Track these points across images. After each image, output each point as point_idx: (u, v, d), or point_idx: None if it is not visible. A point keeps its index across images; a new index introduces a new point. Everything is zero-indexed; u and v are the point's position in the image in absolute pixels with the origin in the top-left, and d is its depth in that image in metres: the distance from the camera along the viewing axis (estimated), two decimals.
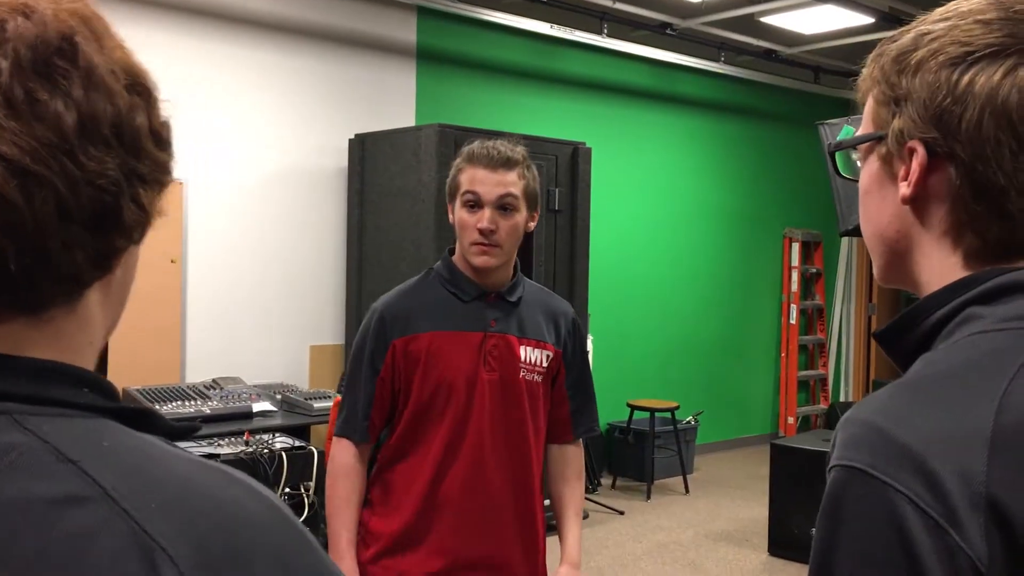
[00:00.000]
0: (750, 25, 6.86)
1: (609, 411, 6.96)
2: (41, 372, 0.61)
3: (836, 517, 0.71)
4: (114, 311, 0.69)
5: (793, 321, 8.37)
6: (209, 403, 4.44)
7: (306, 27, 5.43)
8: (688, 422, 7.09)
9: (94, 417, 0.62)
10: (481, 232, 2.08)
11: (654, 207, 7.38)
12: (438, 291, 2.16)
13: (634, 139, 7.20)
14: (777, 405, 8.46)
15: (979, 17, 0.80)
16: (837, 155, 0.95)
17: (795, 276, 8.39)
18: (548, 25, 6.18)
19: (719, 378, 7.97)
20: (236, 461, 3.88)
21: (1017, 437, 0.68)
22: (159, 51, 4.85)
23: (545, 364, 2.17)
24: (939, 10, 0.84)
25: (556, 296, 2.37)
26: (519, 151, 2.15)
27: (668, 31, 6.66)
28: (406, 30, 5.87)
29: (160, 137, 0.67)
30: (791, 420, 8.32)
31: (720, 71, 7.35)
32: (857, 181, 0.92)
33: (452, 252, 2.22)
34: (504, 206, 2.09)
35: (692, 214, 7.68)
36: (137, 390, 4.40)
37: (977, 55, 0.79)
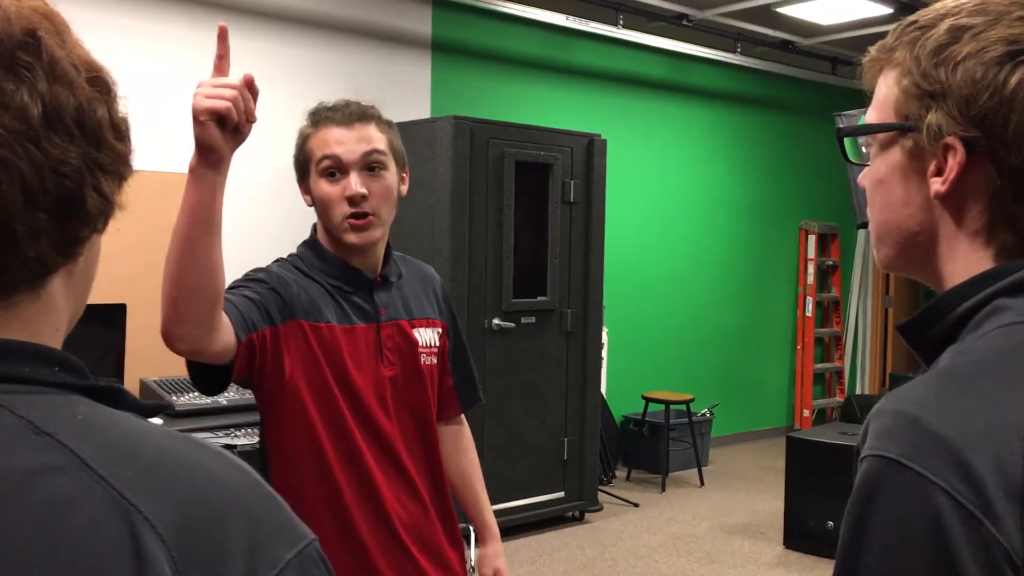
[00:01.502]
0: (767, 16, 6.82)
1: (624, 403, 6.95)
2: (11, 352, 0.62)
3: (868, 507, 0.71)
4: (77, 299, 0.71)
5: (809, 313, 8.34)
6: (225, 394, 4.46)
7: (320, 19, 5.44)
8: (703, 414, 7.07)
9: (66, 394, 0.63)
10: (351, 201, 1.75)
11: (670, 199, 7.36)
12: (316, 284, 1.80)
13: (650, 131, 7.18)
14: (793, 398, 8.43)
15: (1023, 13, 0.78)
16: (846, 140, 0.94)
17: (811, 268, 8.36)
18: (563, 16, 6.17)
19: (734, 370, 7.95)
20: (252, 452, 3.90)
21: None
22: (173, 43, 4.86)
23: (437, 343, 1.93)
24: (971, 0, 0.82)
25: (419, 261, 2.08)
26: (372, 106, 1.86)
27: (684, 22, 6.63)
28: (421, 22, 5.87)
29: (119, 130, 0.68)
30: (807, 413, 8.30)
31: (736, 62, 7.31)
32: (862, 166, 0.91)
33: (314, 237, 1.90)
34: (371, 165, 1.77)
35: (708, 206, 7.65)
36: (154, 381, 4.42)
37: None
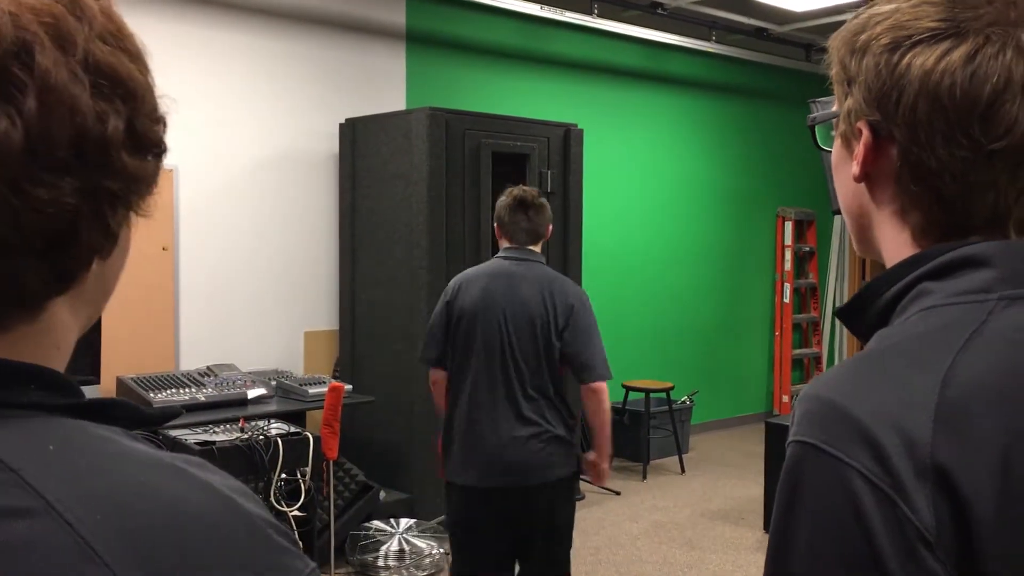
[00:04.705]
0: (741, 3, 6.84)
1: None
2: None
3: (793, 493, 0.73)
4: (89, 311, 0.65)
5: (787, 300, 8.39)
6: (204, 390, 4.43)
7: (295, 11, 5.40)
8: (683, 402, 7.10)
9: (42, 416, 0.57)
10: None
11: (647, 188, 7.37)
12: None
13: (626, 120, 7.18)
14: (772, 383, 8.48)
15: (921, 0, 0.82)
16: (817, 128, 0.97)
17: (788, 255, 8.40)
18: (538, 6, 6.15)
19: (714, 358, 7.98)
20: (232, 448, 3.88)
21: (961, 408, 0.70)
22: (148, 37, 4.80)
23: None
24: None
25: None
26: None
27: (659, 11, 6.63)
28: (395, 13, 5.84)
29: (141, 143, 0.61)
30: (786, 398, 8.35)
31: (711, 50, 7.32)
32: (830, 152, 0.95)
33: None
34: None
35: (685, 194, 7.67)
36: (131, 378, 4.39)
37: (915, 39, 0.80)
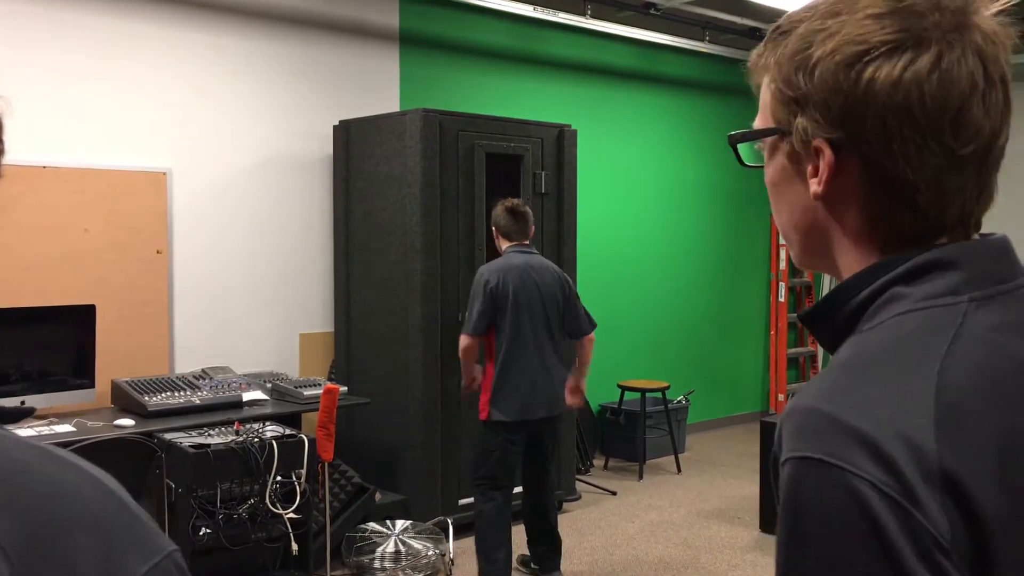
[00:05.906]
0: (734, 3, 6.84)
1: (600, 392, 6.97)
2: None
3: (799, 511, 0.70)
4: None
5: (782, 299, 8.40)
6: (199, 393, 4.43)
7: (288, 13, 5.39)
8: (679, 402, 7.11)
9: None
10: None
11: (641, 188, 7.38)
12: None
13: (620, 120, 7.19)
14: (767, 383, 8.49)
15: (871, 11, 0.80)
16: (739, 145, 0.94)
17: (783, 254, 8.41)
18: (531, 7, 6.16)
19: (709, 357, 7.99)
20: (227, 451, 3.87)
21: (958, 412, 0.70)
22: (142, 41, 4.81)
23: None
24: (827, 0, 0.83)
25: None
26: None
27: (652, 11, 6.63)
28: (389, 14, 5.84)
29: None
30: (781, 397, 8.36)
31: (705, 50, 7.33)
32: (762, 168, 0.92)
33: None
34: None
35: (679, 194, 7.68)
36: (126, 382, 4.38)
37: (874, 53, 0.78)
